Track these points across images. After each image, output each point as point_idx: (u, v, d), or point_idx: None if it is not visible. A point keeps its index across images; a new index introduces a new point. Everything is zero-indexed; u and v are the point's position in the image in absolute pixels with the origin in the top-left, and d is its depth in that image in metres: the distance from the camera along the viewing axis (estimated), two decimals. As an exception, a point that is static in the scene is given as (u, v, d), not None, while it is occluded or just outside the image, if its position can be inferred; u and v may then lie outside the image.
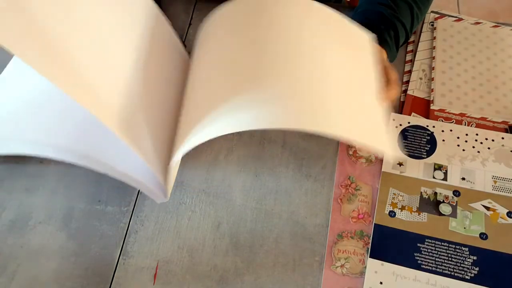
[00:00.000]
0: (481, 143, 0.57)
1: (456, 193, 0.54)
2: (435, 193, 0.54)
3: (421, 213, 0.53)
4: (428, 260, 0.50)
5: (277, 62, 0.43)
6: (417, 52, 0.65)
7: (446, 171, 0.55)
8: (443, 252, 0.50)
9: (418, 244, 0.51)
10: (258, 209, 0.54)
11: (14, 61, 0.53)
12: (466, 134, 0.57)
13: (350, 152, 0.57)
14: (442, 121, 0.59)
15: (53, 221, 0.54)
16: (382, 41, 0.54)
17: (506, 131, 0.58)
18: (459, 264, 0.50)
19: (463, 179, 0.54)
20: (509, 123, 0.59)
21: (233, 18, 0.51)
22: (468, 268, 0.49)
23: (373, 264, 0.50)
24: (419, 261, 0.50)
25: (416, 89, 0.62)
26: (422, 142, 0.57)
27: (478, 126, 0.59)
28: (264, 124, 0.38)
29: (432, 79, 0.62)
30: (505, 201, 0.53)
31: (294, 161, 0.57)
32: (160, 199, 0.47)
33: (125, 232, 0.53)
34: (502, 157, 0.56)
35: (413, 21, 0.58)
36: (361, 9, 0.59)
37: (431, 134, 0.57)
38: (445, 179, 0.54)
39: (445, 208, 0.53)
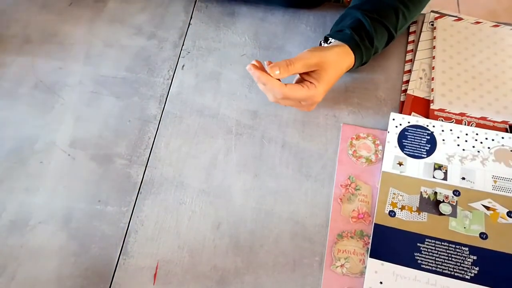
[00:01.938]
0: (481, 142, 0.57)
1: (456, 192, 0.54)
2: (435, 193, 0.54)
3: (421, 213, 0.53)
4: (428, 260, 0.50)
5: None
6: (417, 52, 0.65)
7: (446, 170, 0.55)
8: (443, 251, 0.50)
9: (418, 244, 0.51)
10: (258, 209, 0.54)
11: None
12: (466, 134, 0.57)
13: (350, 152, 0.57)
14: (442, 120, 0.59)
15: (53, 221, 0.54)
16: (350, 42, 0.56)
17: (506, 130, 0.58)
18: (459, 264, 0.50)
19: (463, 178, 0.54)
20: (509, 122, 0.59)
21: None
22: (468, 268, 0.49)
23: (373, 264, 0.50)
24: (419, 261, 0.50)
25: (416, 89, 0.62)
26: (422, 141, 0.57)
27: (478, 125, 0.59)
28: None
29: (432, 78, 0.62)
30: (505, 200, 0.53)
31: (294, 161, 0.57)
32: None
33: (125, 232, 0.53)
34: (502, 157, 0.56)
35: (398, 20, 0.59)
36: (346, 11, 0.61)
37: (431, 134, 0.57)
38: (445, 178, 0.54)
39: (445, 208, 0.53)
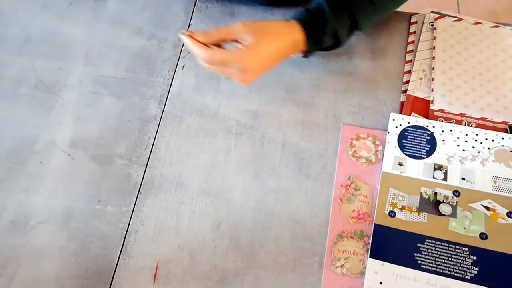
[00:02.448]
0: (481, 143, 0.57)
1: (456, 193, 0.54)
2: (435, 193, 0.54)
3: (421, 213, 0.53)
4: (428, 260, 0.50)
5: None
6: (417, 52, 0.65)
7: (446, 171, 0.55)
8: (443, 252, 0.50)
9: (418, 244, 0.51)
10: (258, 209, 0.54)
11: None
12: (466, 134, 0.57)
13: (350, 152, 0.57)
14: (442, 121, 0.59)
15: (53, 221, 0.54)
16: (300, 18, 0.55)
17: (506, 131, 0.58)
18: (459, 264, 0.50)
19: (463, 179, 0.54)
20: (509, 123, 0.59)
21: None
22: (468, 268, 0.49)
23: (373, 264, 0.50)
24: (419, 261, 0.50)
25: (416, 89, 0.62)
26: (422, 142, 0.57)
27: (478, 126, 0.59)
28: None
29: (432, 79, 0.62)
30: (505, 201, 0.53)
31: (294, 161, 0.57)
32: None
33: (125, 232, 0.53)
34: (502, 157, 0.56)
35: (365, 8, 0.57)
36: None
37: (431, 134, 0.57)
38: (445, 179, 0.55)
39: (445, 208, 0.53)
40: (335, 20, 0.55)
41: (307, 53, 0.59)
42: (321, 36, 0.56)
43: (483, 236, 0.51)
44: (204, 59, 0.52)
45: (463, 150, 0.56)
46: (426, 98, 0.61)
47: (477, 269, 0.49)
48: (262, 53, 0.52)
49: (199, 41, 0.51)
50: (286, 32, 0.54)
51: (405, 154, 0.56)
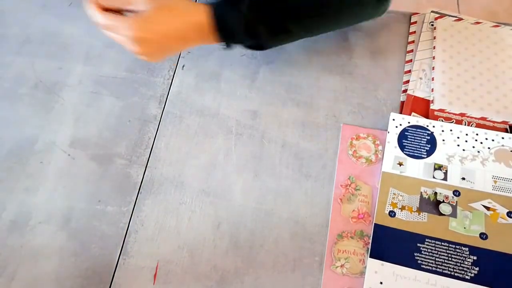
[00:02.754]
0: (481, 143, 0.57)
1: (456, 193, 0.54)
2: (435, 193, 0.54)
3: (421, 213, 0.53)
4: (428, 260, 0.50)
5: None
6: (417, 52, 0.65)
7: (446, 171, 0.55)
8: (443, 252, 0.50)
9: (418, 244, 0.51)
10: (258, 209, 0.54)
11: None
12: (466, 134, 0.57)
13: (350, 152, 0.57)
14: (442, 121, 0.59)
15: (53, 221, 0.54)
16: (212, 4, 0.52)
17: (506, 131, 0.58)
18: (459, 264, 0.50)
19: (463, 179, 0.54)
20: (509, 123, 0.59)
21: None
22: (468, 268, 0.49)
23: (373, 264, 0.50)
24: (419, 261, 0.50)
25: (416, 89, 0.62)
26: (422, 142, 0.57)
27: (478, 126, 0.59)
28: None
29: (432, 79, 0.62)
30: (505, 201, 0.53)
31: (294, 161, 0.57)
32: None
33: (125, 232, 0.53)
34: (502, 157, 0.56)
35: (298, 11, 0.53)
36: None
37: (431, 134, 0.57)
38: (445, 179, 0.54)
39: (445, 208, 0.53)
40: (251, 13, 0.51)
41: (225, 44, 0.55)
42: (230, 26, 0.52)
43: (483, 236, 0.51)
44: (93, 20, 0.50)
45: (463, 150, 0.56)
46: (426, 98, 0.61)
47: (477, 269, 0.49)
48: (154, 26, 0.49)
49: (101, 5, 0.49)
50: (187, 10, 0.51)
51: (405, 154, 0.56)
